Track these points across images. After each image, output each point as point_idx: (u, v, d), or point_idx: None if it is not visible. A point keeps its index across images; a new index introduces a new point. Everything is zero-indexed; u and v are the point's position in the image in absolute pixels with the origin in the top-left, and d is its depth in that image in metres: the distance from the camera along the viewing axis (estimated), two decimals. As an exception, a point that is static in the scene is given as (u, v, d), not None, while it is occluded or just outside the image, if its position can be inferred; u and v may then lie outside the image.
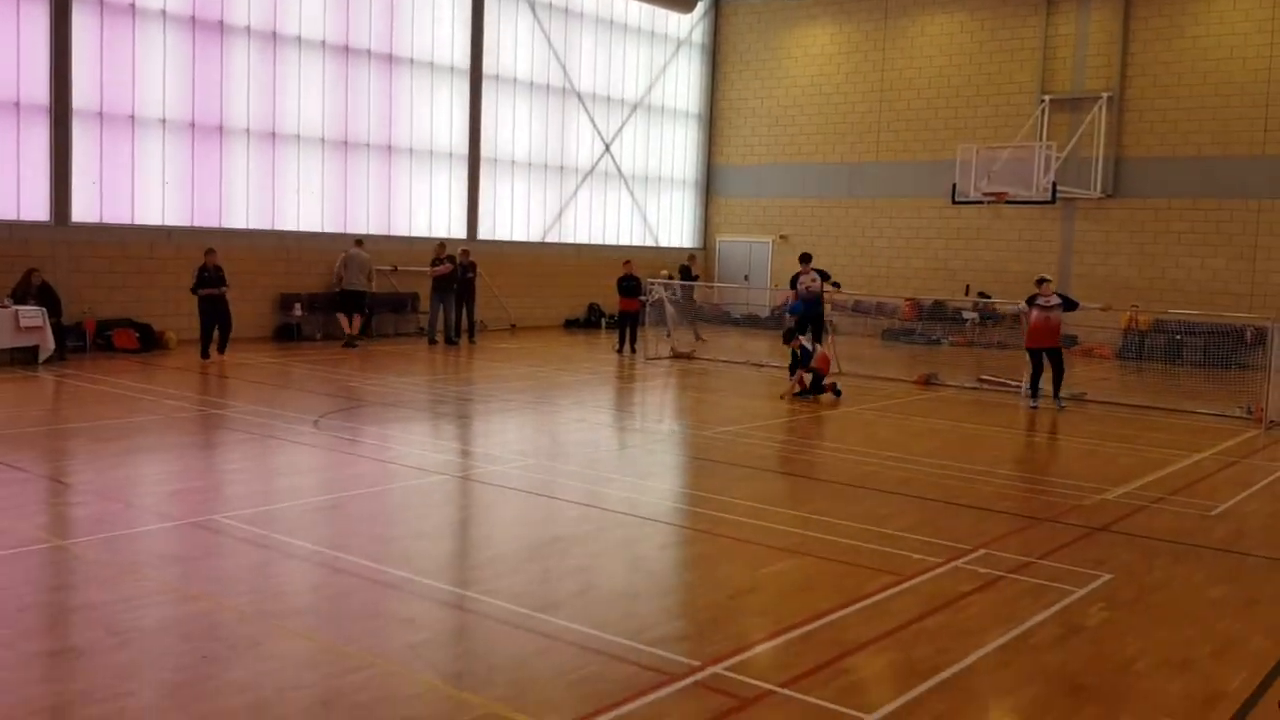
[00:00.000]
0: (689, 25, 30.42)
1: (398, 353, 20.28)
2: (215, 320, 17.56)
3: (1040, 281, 15.86)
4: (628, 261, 22.21)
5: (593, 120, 28.08)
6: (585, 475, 10.13)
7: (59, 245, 18.33)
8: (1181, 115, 24.12)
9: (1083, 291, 25.26)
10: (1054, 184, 22.65)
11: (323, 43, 21.94)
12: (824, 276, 18.12)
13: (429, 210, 24.46)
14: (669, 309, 21.76)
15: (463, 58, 24.72)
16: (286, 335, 21.25)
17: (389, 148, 23.44)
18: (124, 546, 7.34)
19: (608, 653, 5.70)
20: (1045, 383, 15.76)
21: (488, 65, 25.24)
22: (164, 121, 19.63)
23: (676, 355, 20.94)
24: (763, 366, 19.40)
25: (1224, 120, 23.59)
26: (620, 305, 21.74)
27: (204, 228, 20.21)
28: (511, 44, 25.87)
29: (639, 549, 7.83)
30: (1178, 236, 24.28)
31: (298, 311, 21.35)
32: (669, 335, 22.91)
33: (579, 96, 27.65)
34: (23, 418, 12.26)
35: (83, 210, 18.75)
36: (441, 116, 24.47)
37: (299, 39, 21.53)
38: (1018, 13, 26.19)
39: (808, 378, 15.58)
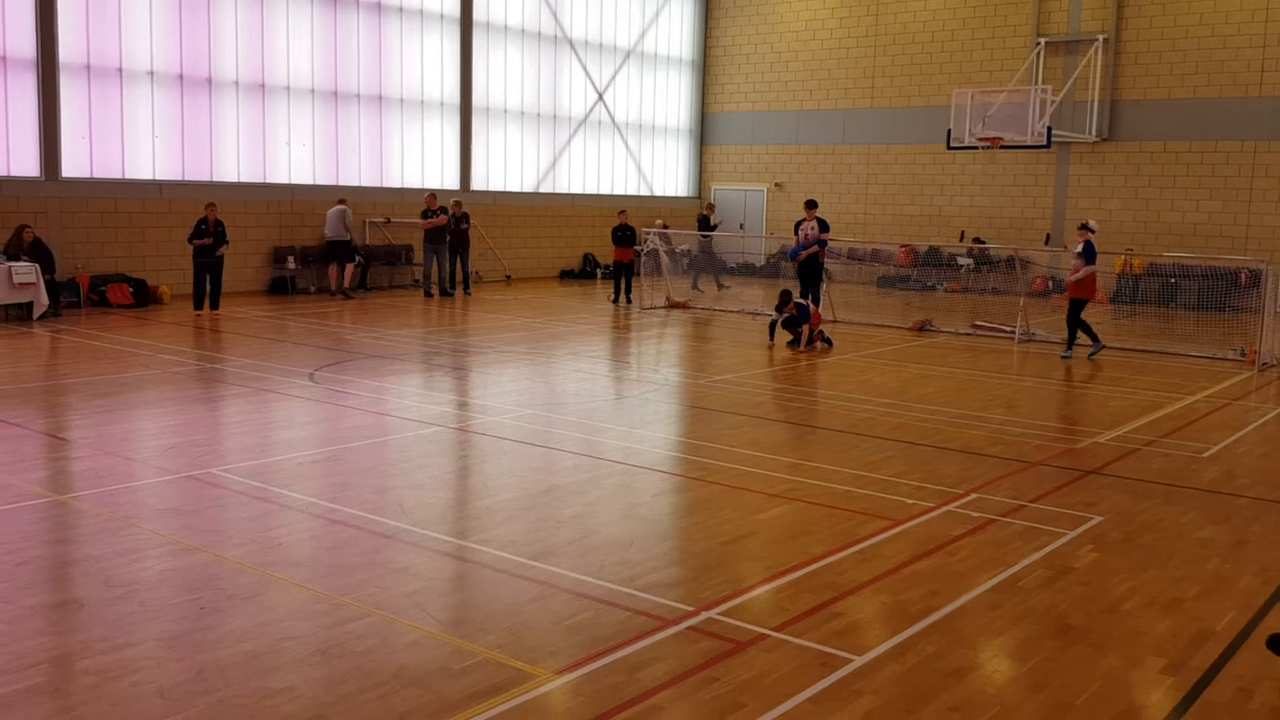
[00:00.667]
0: (681, -30, 30.06)
1: (393, 305, 20.26)
2: (206, 272, 17.57)
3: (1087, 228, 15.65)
4: (623, 211, 22.14)
5: (585, 68, 27.83)
6: (581, 425, 10.18)
7: (50, 201, 18.23)
8: (1178, 57, 23.93)
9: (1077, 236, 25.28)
10: (1049, 128, 22.51)
11: (310, -8, 21.70)
12: (823, 226, 18.08)
13: (421, 161, 24.31)
14: (663, 259, 21.72)
15: (453, 5, 24.43)
16: (280, 289, 21.21)
17: (380, 98, 23.24)
18: (122, 500, 7.39)
19: (603, 599, 5.77)
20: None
21: (478, 13, 24.95)
22: (152, 74, 19.44)
23: (672, 305, 20.94)
24: (758, 315, 19.40)
25: (1220, 62, 23.40)
26: (615, 255, 21.69)
27: (196, 181, 20.10)
28: (502, -9, 25.60)
29: (634, 497, 7.89)
30: (1173, 180, 24.19)
31: (291, 265, 21.29)
32: (698, 287, 23.20)
33: (571, 44, 27.37)
34: (19, 374, 12.27)
35: (73, 165, 18.62)
36: (432, 66, 24.24)
37: (286, -12, 21.30)
38: (1014, -46, 25.90)
39: (805, 335, 15.54)
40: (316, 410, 10.77)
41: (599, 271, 27.57)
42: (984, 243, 25.17)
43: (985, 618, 5.70)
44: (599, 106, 28.39)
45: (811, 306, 16.14)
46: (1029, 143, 22.59)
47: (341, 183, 22.46)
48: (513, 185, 26.47)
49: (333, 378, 12.27)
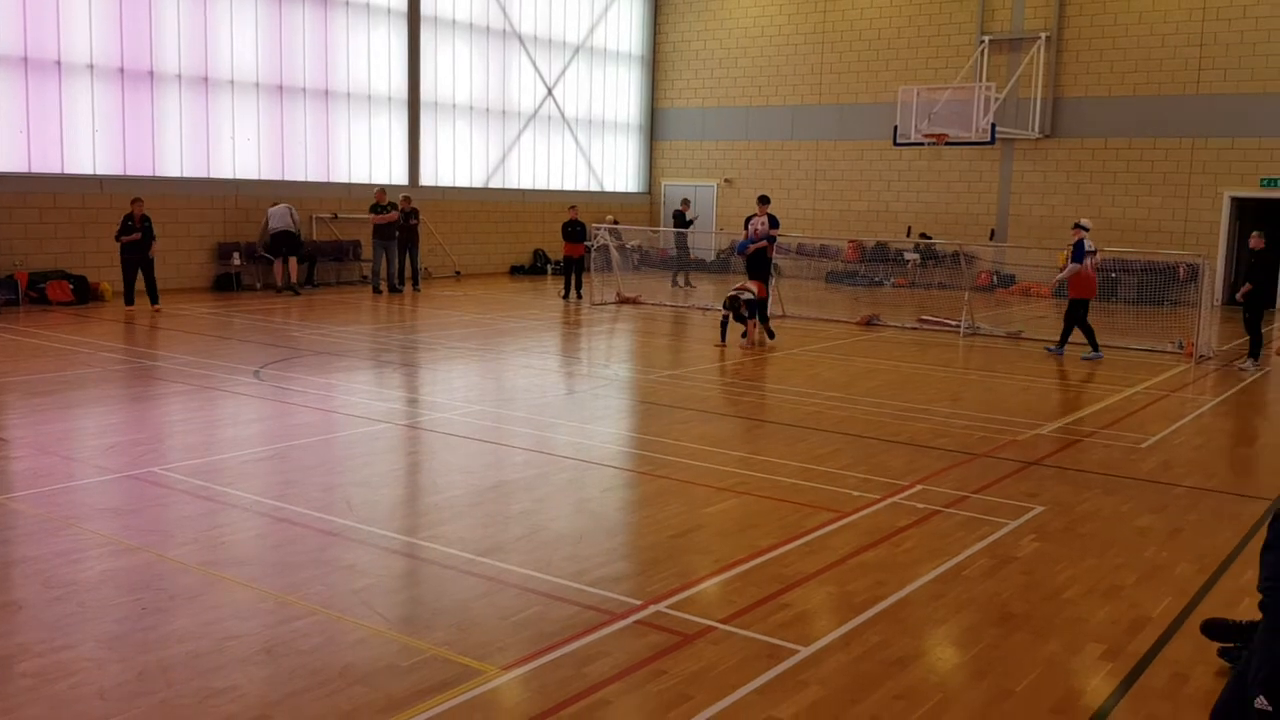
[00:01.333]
0: (630, -35, 30.05)
1: (341, 301, 20.07)
2: (137, 268, 17.30)
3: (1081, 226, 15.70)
4: (573, 207, 22.12)
5: (534, 63, 27.74)
6: (531, 421, 10.16)
7: (-14, 196, 17.86)
8: (1118, 55, 24.35)
9: (1020, 232, 25.66)
10: (993, 125, 22.83)
11: (254, -16, 21.42)
12: (774, 223, 18.14)
13: (369, 156, 24.10)
14: (614, 254, 21.71)
15: (400, -1, 24.27)
16: (225, 285, 20.93)
17: (326, 92, 23.00)
18: (61, 500, 7.26)
19: (551, 594, 5.77)
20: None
21: (426, 7, 24.77)
22: (92, 67, 19.09)
23: (622, 300, 20.95)
24: (708, 310, 19.47)
25: (1158, 60, 23.85)
26: (565, 250, 21.66)
27: (137, 176, 19.76)
28: (449, -15, 25.43)
29: (584, 492, 7.90)
30: (1114, 176, 24.62)
31: (236, 261, 21.02)
32: (687, 284, 23.22)
33: (520, 39, 27.27)
34: (-46, 373, 12.01)
35: (10, 160, 18.24)
36: (380, 60, 24.03)
37: (229, -19, 21.01)
38: (958, -48, 26.19)
39: (756, 333, 15.52)
40: (262, 408, 10.65)
41: (549, 267, 27.51)
42: (930, 238, 25.46)
43: (929, 607, 5.78)
44: (548, 102, 28.32)
45: (759, 286, 16.04)
46: (973, 139, 22.91)
47: (288, 178, 22.19)
48: (462, 180, 26.33)
49: (279, 375, 12.14)
